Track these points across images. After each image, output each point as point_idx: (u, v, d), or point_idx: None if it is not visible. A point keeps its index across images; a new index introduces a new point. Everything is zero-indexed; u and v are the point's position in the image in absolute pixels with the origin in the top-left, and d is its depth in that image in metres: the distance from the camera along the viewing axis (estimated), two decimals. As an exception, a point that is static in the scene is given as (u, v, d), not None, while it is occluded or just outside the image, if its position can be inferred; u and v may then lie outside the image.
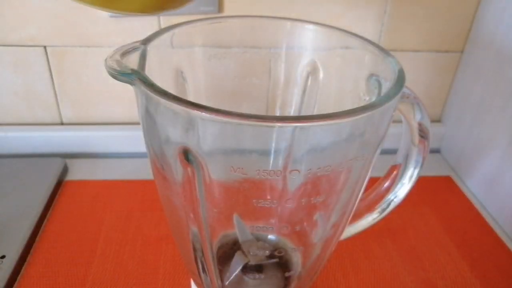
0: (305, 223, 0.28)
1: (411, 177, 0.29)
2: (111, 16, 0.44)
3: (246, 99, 0.35)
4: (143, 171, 0.48)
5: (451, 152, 0.53)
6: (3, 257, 0.35)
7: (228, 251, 0.29)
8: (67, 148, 0.50)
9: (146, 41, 0.26)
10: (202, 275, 0.29)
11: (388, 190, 0.30)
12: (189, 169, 0.22)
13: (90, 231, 0.40)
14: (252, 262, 0.29)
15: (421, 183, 0.30)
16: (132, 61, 0.24)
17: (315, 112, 0.33)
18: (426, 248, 0.40)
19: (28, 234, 0.38)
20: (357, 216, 0.31)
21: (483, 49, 0.47)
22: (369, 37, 0.28)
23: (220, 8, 0.45)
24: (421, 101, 0.26)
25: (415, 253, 0.40)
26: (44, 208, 0.41)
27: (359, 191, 0.26)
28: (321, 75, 0.31)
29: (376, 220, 0.31)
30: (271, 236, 0.26)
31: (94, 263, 0.37)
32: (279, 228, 0.27)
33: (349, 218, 0.29)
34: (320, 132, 0.21)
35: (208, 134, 0.21)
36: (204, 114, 0.19)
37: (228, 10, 0.45)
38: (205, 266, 0.28)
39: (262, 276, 0.30)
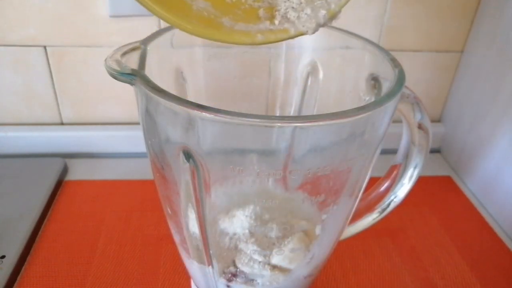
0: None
1: (411, 177, 0.29)
2: (111, 16, 0.44)
3: (246, 99, 0.35)
4: (143, 171, 0.48)
5: (451, 152, 0.53)
6: (3, 257, 0.35)
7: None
8: (67, 148, 0.50)
9: (146, 41, 0.26)
10: (202, 274, 0.29)
11: (388, 190, 0.30)
12: (189, 169, 0.22)
13: (90, 231, 0.40)
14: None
15: (421, 183, 0.30)
16: (132, 61, 0.24)
17: (315, 112, 0.33)
18: (426, 248, 0.40)
19: (28, 234, 0.38)
20: (357, 216, 0.31)
21: (483, 49, 0.47)
22: (369, 37, 0.28)
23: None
24: (421, 101, 0.26)
25: (415, 253, 0.40)
26: (44, 208, 0.41)
27: (359, 191, 0.26)
28: (321, 75, 0.31)
29: (376, 220, 0.31)
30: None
31: (94, 263, 0.37)
32: (279, 227, 0.27)
33: (349, 218, 0.29)
34: (320, 132, 0.21)
35: (208, 134, 0.21)
36: (204, 114, 0.19)
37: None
38: (205, 265, 0.28)
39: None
